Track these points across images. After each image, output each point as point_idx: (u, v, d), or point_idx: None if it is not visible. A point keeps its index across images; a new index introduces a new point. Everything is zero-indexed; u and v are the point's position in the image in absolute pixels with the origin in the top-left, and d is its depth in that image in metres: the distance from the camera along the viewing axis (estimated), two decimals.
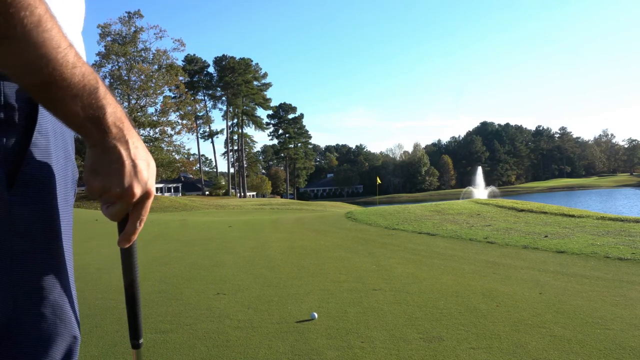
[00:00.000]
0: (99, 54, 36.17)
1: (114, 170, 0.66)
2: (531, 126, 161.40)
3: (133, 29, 37.24)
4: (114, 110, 0.66)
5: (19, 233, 0.67)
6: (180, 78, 39.58)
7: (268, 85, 69.67)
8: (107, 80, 36.40)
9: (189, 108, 41.58)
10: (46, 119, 0.72)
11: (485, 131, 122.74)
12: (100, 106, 0.64)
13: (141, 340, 0.83)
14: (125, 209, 0.70)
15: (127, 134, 0.67)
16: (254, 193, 74.49)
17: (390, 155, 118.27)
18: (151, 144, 36.69)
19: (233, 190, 65.06)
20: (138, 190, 0.69)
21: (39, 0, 0.56)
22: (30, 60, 0.57)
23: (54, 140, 0.73)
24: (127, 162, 0.67)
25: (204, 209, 29.27)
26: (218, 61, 65.90)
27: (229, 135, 69.58)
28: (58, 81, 0.59)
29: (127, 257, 0.78)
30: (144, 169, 0.69)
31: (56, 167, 0.74)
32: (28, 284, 0.69)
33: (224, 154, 75.22)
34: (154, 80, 36.05)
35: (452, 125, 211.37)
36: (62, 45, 0.58)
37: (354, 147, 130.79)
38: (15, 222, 0.67)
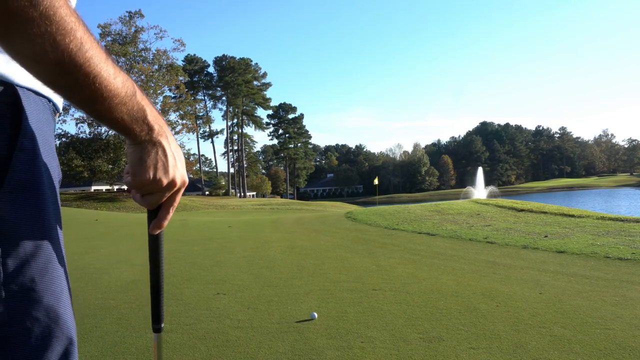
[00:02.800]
0: None
1: (161, 163, 0.74)
2: (531, 126, 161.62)
3: (133, 29, 37.20)
4: (152, 110, 0.73)
5: (9, 237, 0.67)
6: (180, 78, 39.55)
7: (268, 85, 69.67)
8: None
9: (189, 108, 41.58)
10: (31, 121, 0.72)
11: (485, 131, 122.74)
12: (141, 108, 0.70)
13: (162, 325, 0.88)
14: (162, 198, 0.77)
15: (166, 130, 0.75)
16: (254, 193, 74.49)
17: (390, 155, 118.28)
18: None
19: (233, 190, 65.05)
20: (179, 180, 0.77)
21: (78, 22, 0.61)
22: (79, 80, 0.62)
23: (39, 142, 0.74)
24: (170, 155, 0.75)
25: (204, 209, 29.26)
26: (218, 61, 65.89)
27: (229, 135, 69.58)
28: (104, 93, 0.64)
29: (155, 244, 0.82)
30: (181, 161, 0.78)
31: (44, 168, 0.74)
32: (20, 288, 0.68)
33: (224, 154, 75.24)
34: (154, 80, 36.05)
35: (451, 125, 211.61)
36: (103, 59, 0.64)
37: (353, 147, 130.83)
38: (4, 226, 0.66)
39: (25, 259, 0.69)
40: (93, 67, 0.62)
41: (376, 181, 37.81)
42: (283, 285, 4.79)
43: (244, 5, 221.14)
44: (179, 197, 0.80)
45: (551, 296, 4.02)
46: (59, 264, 0.75)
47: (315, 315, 3.57)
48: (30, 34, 0.57)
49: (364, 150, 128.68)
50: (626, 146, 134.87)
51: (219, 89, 66.13)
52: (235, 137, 70.82)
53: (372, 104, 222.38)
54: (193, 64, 64.19)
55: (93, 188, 46.84)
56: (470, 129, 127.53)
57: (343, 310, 3.76)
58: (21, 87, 0.71)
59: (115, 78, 0.65)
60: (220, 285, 4.87)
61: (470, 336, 3.08)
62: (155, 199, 0.76)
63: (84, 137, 33.57)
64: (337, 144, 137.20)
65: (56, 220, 0.76)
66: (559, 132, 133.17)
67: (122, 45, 35.97)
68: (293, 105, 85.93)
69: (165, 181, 0.74)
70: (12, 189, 0.67)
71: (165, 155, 0.74)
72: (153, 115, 0.72)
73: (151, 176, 0.73)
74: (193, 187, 70.22)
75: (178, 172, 0.76)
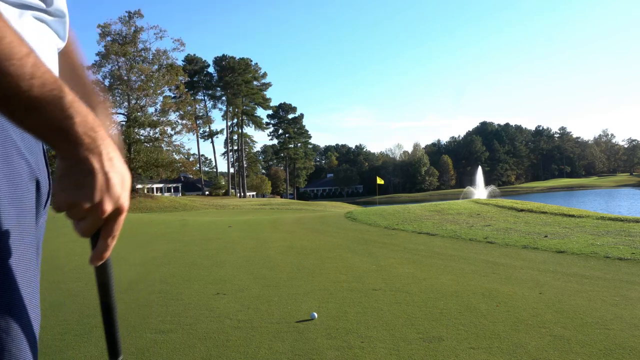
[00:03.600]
0: (98, 54, 36.17)
1: (84, 183, 0.62)
2: (531, 126, 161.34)
3: (133, 29, 37.19)
4: (84, 119, 0.61)
5: None
6: (180, 78, 39.55)
7: (268, 85, 69.69)
8: (107, 80, 36.41)
9: (189, 108, 41.57)
10: None
11: (485, 131, 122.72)
12: (66, 116, 0.59)
13: (121, 357, 0.78)
14: (95, 225, 0.65)
15: (101, 144, 0.63)
16: (254, 193, 74.49)
17: (390, 155, 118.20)
18: (151, 144, 36.69)
19: (233, 190, 65.04)
20: (109, 206, 0.64)
21: None
22: None
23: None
24: (99, 175, 0.62)
25: (204, 209, 29.26)
26: (218, 61, 65.90)
27: (228, 135, 69.57)
28: (15, 94, 0.55)
29: (102, 276, 0.72)
30: (116, 183, 0.65)
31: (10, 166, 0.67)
32: None
33: (224, 154, 75.23)
34: (154, 80, 36.05)
35: (451, 125, 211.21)
36: (16, 55, 0.54)
37: (353, 147, 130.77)
38: None
39: None
40: None
41: (380, 181, 37.77)
42: (283, 285, 4.79)
43: (244, 6, 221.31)
44: (118, 226, 0.67)
45: (551, 296, 4.02)
46: (21, 286, 0.68)
47: (315, 315, 3.57)
48: None
49: (364, 150, 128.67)
50: (626, 146, 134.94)
51: (218, 89, 66.16)
52: (235, 137, 70.82)
53: (372, 104, 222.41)
54: (193, 64, 64.22)
55: None
56: (470, 129, 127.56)
57: (343, 310, 3.76)
58: None
59: (31, 79, 0.56)
60: (220, 285, 4.86)
61: (470, 336, 3.08)
62: (85, 226, 0.65)
63: None
64: (337, 144, 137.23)
65: (20, 234, 0.69)
66: (558, 132, 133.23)
67: (121, 45, 35.94)
68: (293, 105, 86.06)
69: (87, 205, 0.62)
70: None
71: (93, 175, 0.62)
72: (84, 126, 0.61)
73: (69, 198, 0.62)
74: (193, 187, 70.25)
75: (109, 196, 0.63)
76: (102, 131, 0.63)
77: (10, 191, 0.67)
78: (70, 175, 0.62)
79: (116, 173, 0.65)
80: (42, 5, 0.75)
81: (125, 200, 0.67)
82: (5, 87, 0.54)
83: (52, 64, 0.79)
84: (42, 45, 0.77)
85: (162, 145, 37.22)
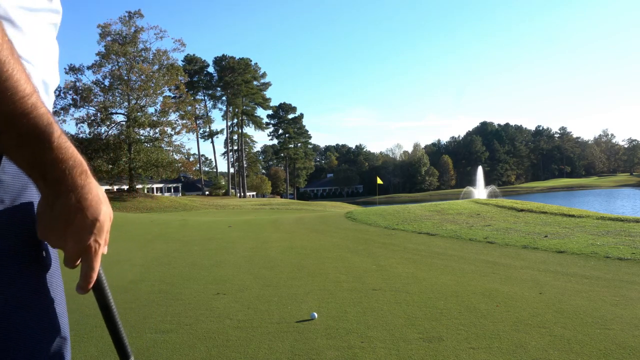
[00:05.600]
0: (98, 53, 36.16)
1: (60, 220, 0.64)
2: (531, 126, 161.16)
3: (133, 29, 37.18)
4: (64, 157, 0.63)
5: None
6: (181, 78, 39.54)
7: (268, 85, 69.69)
8: (107, 80, 36.39)
9: (189, 108, 41.56)
10: None
11: (485, 131, 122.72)
12: (51, 156, 0.62)
13: (129, 354, 0.83)
14: (74, 257, 0.67)
15: (79, 181, 0.65)
16: (254, 193, 74.48)
17: (390, 155, 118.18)
18: (151, 144, 36.68)
19: (233, 190, 65.04)
20: (78, 245, 0.66)
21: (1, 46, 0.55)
22: None
23: None
24: (68, 215, 0.64)
25: (204, 209, 29.26)
26: (218, 61, 65.89)
27: (229, 135, 69.57)
28: (8, 128, 0.58)
29: (97, 292, 0.74)
30: (87, 225, 0.66)
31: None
32: (18, 297, 0.68)
33: (224, 154, 75.22)
34: (154, 80, 36.04)
35: (451, 125, 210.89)
36: (20, 92, 0.57)
37: (353, 147, 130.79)
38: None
39: (22, 266, 0.70)
40: None
41: (379, 180, 37.81)
42: (283, 285, 4.79)
43: (244, 5, 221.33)
44: (94, 262, 0.68)
45: (551, 296, 4.02)
46: (53, 263, 0.76)
47: (315, 315, 3.57)
48: None
49: (364, 150, 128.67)
50: (626, 146, 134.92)
51: (218, 89, 66.15)
52: (235, 137, 70.82)
53: (372, 104, 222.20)
54: (193, 64, 64.20)
55: None
56: (470, 129, 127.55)
57: (343, 310, 3.76)
58: None
59: (28, 115, 0.58)
60: (220, 285, 4.86)
61: (470, 336, 3.08)
62: (66, 255, 0.67)
63: (84, 137, 33.60)
64: (337, 144, 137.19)
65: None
66: (559, 132, 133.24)
67: (122, 45, 35.93)
68: (293, 105, 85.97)
69: (57, 243, 0.66)
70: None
71: (67, 212, 0.64)
72: (63, 165, 0.62)
73: (42, 234, 0.66)
74: (193, 187, 70.26)
75: (77, 235, 0.65)
76: (84, 171, 0.66)
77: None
78: (45, 210, 0.64)
79: (88, 215, 0.66)
80: (57, 9, 0.78)
81: (92, 239, 0.67)
82: (3, 119, 0.57)
83: (54, 67, 0.81)
84: (52, 52, 0.79)
85: (162, 145, 37.21)
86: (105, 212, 0.68)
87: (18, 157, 0.61)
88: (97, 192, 0.67)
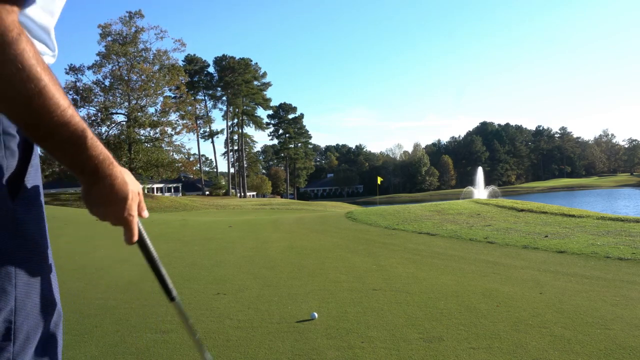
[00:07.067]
0: (99, 54, 36.18)
1: (97, 199, 0.81)
2: (531, 126, 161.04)
3: (134, 29, 37.20)
4: (94, 153, 0.77)
5: (22, 238, 0.82)
6: (181, 78, 39.55)
7: (268, 85, 69.72)
8: (107, 80, 36.40)
9: (190, 108, 41.57)
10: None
11: (485, 131, 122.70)
12: (87, 154, 0.77)
13: (174, 294, 1.11)
14: (115, 222, 0.86)
15: (110, 170, 0.80)
16: (254, 193, 74.50)
17: (390, 155, 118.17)
18: (151, 144, 36.68)
19: (233, 190, 65.07)
20: (113, 218, 0.84)
21: (44, 72, 0.69)
22: (34, 119, 0.70)
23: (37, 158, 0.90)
24: (100, 196, 0.81)
25: (204, 209, 29.27)
26: (218, 61, 65.92)
27: (229, 135, 69.60)
28: (53, 135, 0.72)
29: (141, 245, 0.94)
30: (120, 199, 0.83)
31: (40, 180, 0.91)
32: (26, 283, 0.83)
33: (224, 154, 75.23)
34: (154, 81, 36.05)
35: (451, 125, 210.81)
36: (61, 107, 0.71)
37: (353, 147, 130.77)
38: (19, 229, 0.81)
39: (32, 256, 0.85)
40: (48, 115, 0.70)
41: (380, 180, 37.81)
42: (283, 285, 4.80)
43: (244, 5, 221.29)
44: (131, 229, 0.88)
45: (551, 296, 4.02)
46: (49, 254, 0.92)
47: (316, 315, 3.57)
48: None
49: (364, 150, 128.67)
50: (626, 146, 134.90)
51: (219, 89, 66.19)
52: (236, 137, 70.86)
53: (372, 104, 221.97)
54: (193, 64, 64.22)
55: None
56: (471, 129, 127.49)
57: (343, 310, 3.76)
58: None
59: (66, 125, 0.72)
60: (220, 285, 4.87)
61: (470, 336, 3.08)
62: (112, 224, 0.86)
63: None
64: (337, 144, 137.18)
65: (44, 218, 0.92)
66: (559, 132, 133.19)
67: (122, 45, 35.95)
68: (293, 105, 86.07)
69: (103, 219, 0.84)
70: (26, 196, 0.84)
71: (102, 195, 0.81)
72: (96, 160, 0.78)
73: (89, 209, 0.84)
74: (193, 187, 70.22)
75: (114, 213, 0.84)
76: (111, 162, 0.81)
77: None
78: (87, 193, 0.81)
79: (118, 196, 0.82)
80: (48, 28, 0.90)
81: (122, 213, 0.84)
82: (47, 131, 0.72)
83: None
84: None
85: (163, 145, 37.22)
86: (132, 190, 0.85)
87: (62, 157, 0.76)
88: (122, 177, 0.83)
